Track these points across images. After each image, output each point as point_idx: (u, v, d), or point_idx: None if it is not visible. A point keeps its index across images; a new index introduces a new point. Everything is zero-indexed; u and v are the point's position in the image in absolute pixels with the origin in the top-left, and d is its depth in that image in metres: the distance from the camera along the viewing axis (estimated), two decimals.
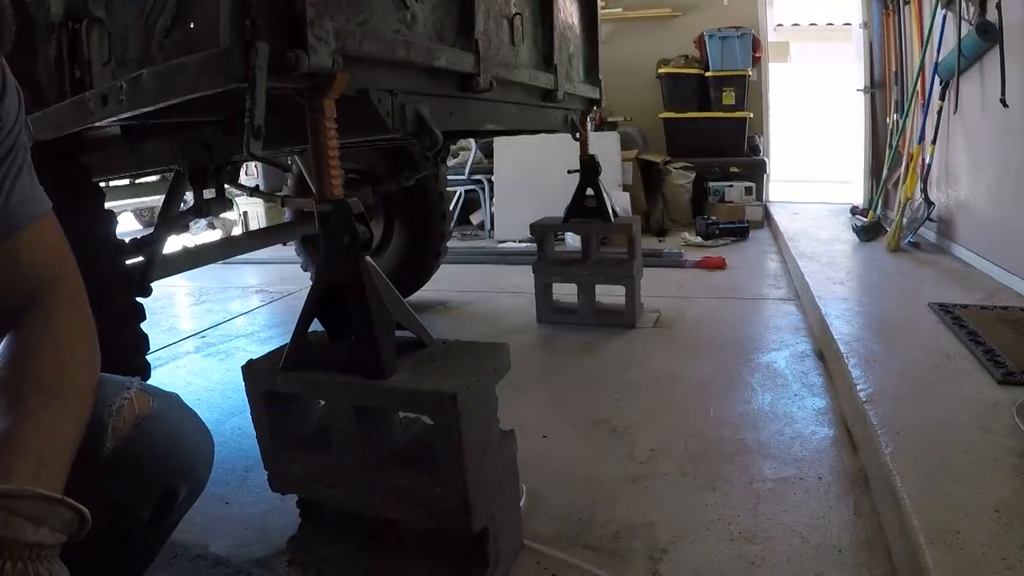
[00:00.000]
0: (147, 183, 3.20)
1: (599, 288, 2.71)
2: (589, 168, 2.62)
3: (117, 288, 1.48)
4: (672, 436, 1.70)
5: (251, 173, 5.38)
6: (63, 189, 1.45)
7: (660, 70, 5.76)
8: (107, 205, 1.54)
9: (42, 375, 0.63)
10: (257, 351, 2.68)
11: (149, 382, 0.81)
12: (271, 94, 0.94)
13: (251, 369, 1.16)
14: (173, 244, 2.10)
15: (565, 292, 2.82)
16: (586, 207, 2.67)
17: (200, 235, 6.98)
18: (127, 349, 1.52)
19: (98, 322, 1.56)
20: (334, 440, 1.11)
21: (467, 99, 1.51)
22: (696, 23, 5.94)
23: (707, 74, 5.56)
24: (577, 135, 2.46)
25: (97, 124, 1.27)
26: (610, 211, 2.69)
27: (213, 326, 3.22)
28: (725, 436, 1.69)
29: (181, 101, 1.03)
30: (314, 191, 1.05)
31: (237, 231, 6.48)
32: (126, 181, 2.96)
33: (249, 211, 6.20)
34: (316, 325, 1.14)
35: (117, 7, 1.26)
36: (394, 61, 1.19)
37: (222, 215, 7.16)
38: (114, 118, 1.18)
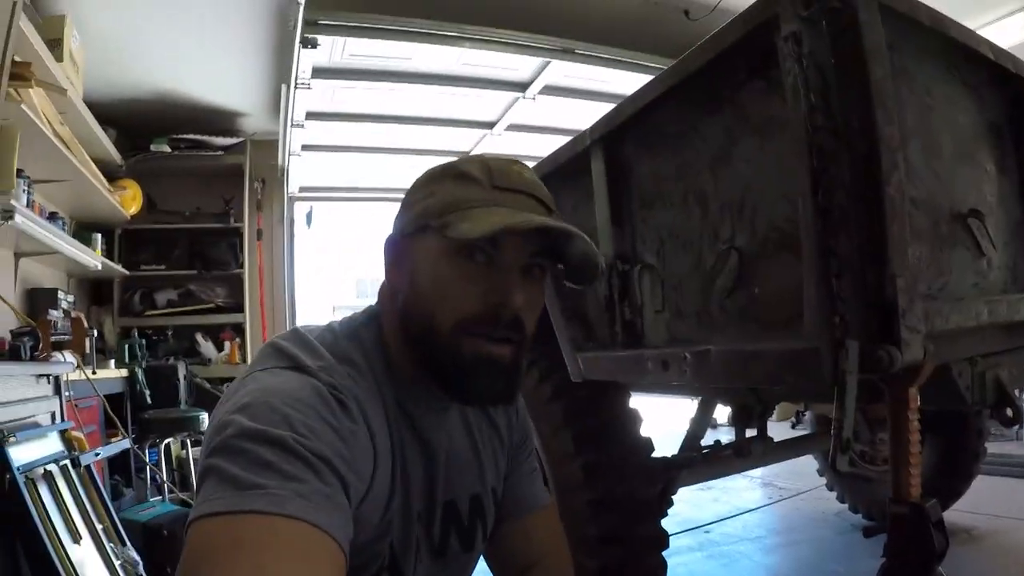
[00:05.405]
0: None
1: None
2: None
3: (643, 516, 1.46)
4: None
5: None
6: (601, 407, 1.51)
7: None
8: None
9: None
10: (760, 561, 2.44)
11: None
12: None
13: None
14: None
15: None
16: None
17: None
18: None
19: (614, 555, 1.50)
20: None
21: None
22: None
23: None
24: None
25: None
26: None
27: (718, 520, 3.05)
28: None
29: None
30: (891, 488, 0.93)
31: None
32: None
33: None
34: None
35: (669, 256, 1.25)
36: (977, 327, 1.02)
37: None
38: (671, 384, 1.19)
